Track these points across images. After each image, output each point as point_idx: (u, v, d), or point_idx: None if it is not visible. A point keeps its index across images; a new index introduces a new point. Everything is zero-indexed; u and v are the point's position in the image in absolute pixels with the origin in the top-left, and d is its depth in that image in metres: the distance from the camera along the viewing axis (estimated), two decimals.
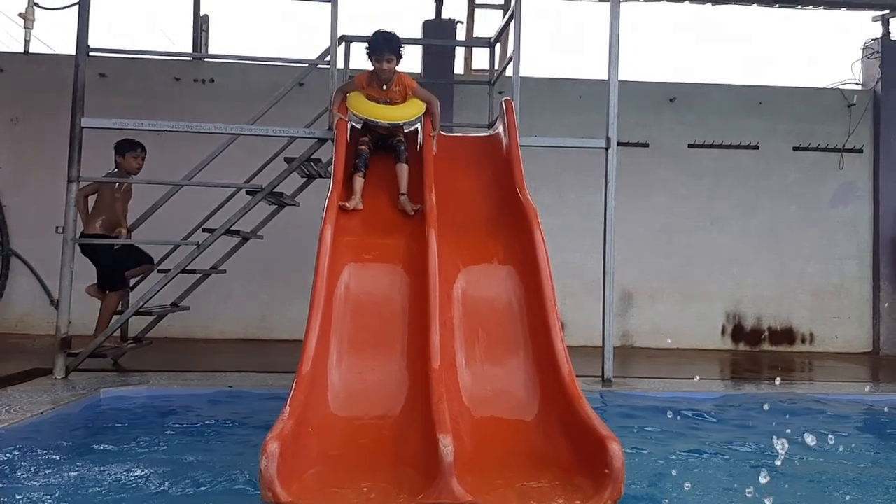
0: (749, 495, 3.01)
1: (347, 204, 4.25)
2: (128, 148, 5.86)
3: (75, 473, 3.01)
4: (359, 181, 4.44)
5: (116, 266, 5.74)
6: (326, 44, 5.57)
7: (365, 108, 4.76)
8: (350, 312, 3.70)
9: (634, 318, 8.18)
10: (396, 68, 4.72)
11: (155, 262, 6.05)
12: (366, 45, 4.71)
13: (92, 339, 5.48)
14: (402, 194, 4.44)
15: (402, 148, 4.66)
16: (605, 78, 5.61)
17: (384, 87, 4.74)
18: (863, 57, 8.73)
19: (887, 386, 6.36)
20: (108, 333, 5.51)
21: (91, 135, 5.46)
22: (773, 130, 8.36)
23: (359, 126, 4.79)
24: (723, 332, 8.29)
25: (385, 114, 4.76)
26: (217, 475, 3.05)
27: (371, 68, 4.79)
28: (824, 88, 8.71)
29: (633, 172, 7.78)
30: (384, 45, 4.63)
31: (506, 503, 2.69)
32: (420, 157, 4.73)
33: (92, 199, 5.77)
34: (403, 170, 4.54)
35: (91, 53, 5.46)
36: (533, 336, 3.68)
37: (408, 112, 4.80)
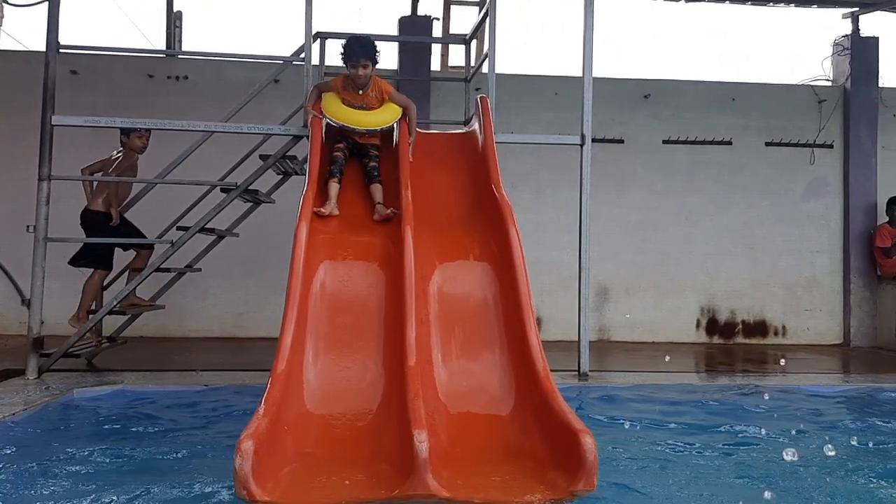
0: (724, 484, 3.07)
1: (323, 209, 4.22)
2: (133, 129, 5.85)
3: (48, 473, 2.99)
4: (334, 187, 4.40)
5: (96, 247, 5.70)
6: (301, 40, 5.55)
7: (341, 113, 4.73)
8: (326, 310, 3.71)
9: (610, 313, 8.25)
10: (372, 73, 4.71)
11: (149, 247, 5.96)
12: (341, 50, 4.68)
13: (73, 317, 5.57)
14: (379, 203, 4.40)
15: (376, 170, 4.60)
16: (581, 75, 5.65)
17: (360, 92, 4.73)
18: (833, 54, 8.87)
19: (857, 377, 6.49)
20: (83, 332, 5.46)
21: (62, 133, 5.39)
22: (746, 126, 8.47)
23: (334, 124, 4.76)
24: (697, 326, 8.39)
25: (361, 119, 4.73)
26: (193, 474, 3.04)
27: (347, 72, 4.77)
28: (796, 85, 8.84)
29: (608, 169, 7.84)
30: (359, 51, 4.60)
31: (481, 497, 2.71)
32: (396, 155, 4.73)
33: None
34: (377, 189, 4.50)
35: (62, 50, 5.40)
36: (508, 332, 3.72)
37: (384, 117, 4.78)
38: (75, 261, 5.79)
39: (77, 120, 5.52)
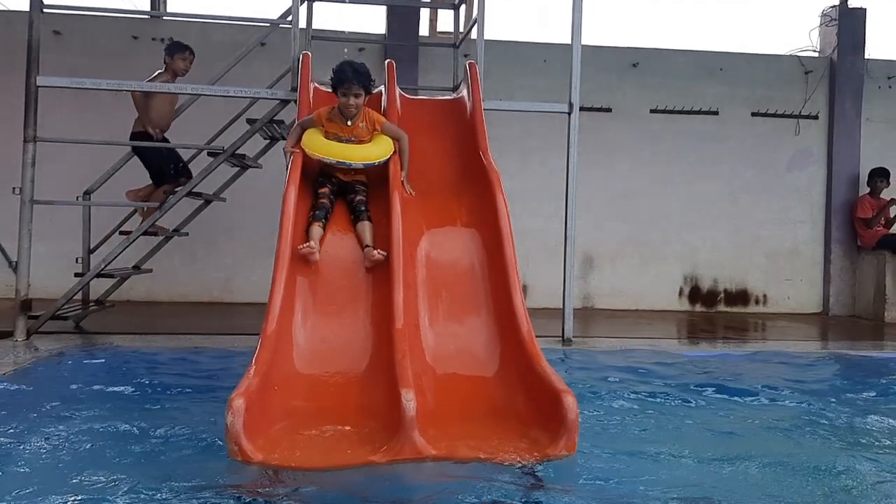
0: (700, 445, 3.17)
1: (302, 247, 3.70)
2: (177, 49, 5.86)
3: (39, 432, 3.03)
4: (317, 231, 3.83)
5: (164, 160, 5.84)
6: (288, 3, 5.50)
7: (324, 147, 4.13)
8: (314, 273, 3.75)
9: (595, 281, 8.35)
10: (363, 103, 4.19)
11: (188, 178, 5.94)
12: (330, 76, 4.19)
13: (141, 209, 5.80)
14: (367, 246, 3.83)
15: (363, 204, 4.05)
16: (569, 42, 5.65)
17: (348, 123, 4.17)
18: (821, 24, 8.88)
19: (834, 343, 6.65)
20: (72, 294, 5.47)
21: (46, 94, 5.34)
22: (733, 96, 8.50)
23: (328, 161, 4.16)
24: (680, 294, 8.51)
25: (349, 154, 4.14)
26: (184, 432, 3.10)
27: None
28: (782, 55, 8.86)
29: (595, 137, 7.86)
30: (353, 78, 4.08)
31: (465, 455, 2.80)
32: (385, 114, 4.68)
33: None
34: (366, 227, 3.93)
35: (45, 10, 5.32)
36: (494, 296, 3.79)
37: (376, 151, 4.20)
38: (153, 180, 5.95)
39: (62, 81, 5.47)
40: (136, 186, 6.10)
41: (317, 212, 3.93)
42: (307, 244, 3.72)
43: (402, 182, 4.19)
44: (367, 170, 4.21)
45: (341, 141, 4.16)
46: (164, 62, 5.89)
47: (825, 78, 8.63)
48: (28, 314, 5.13)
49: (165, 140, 5.91)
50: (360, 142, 4.19)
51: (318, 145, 4.14)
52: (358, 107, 4.14)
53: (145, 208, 5.86)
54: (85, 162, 6.50)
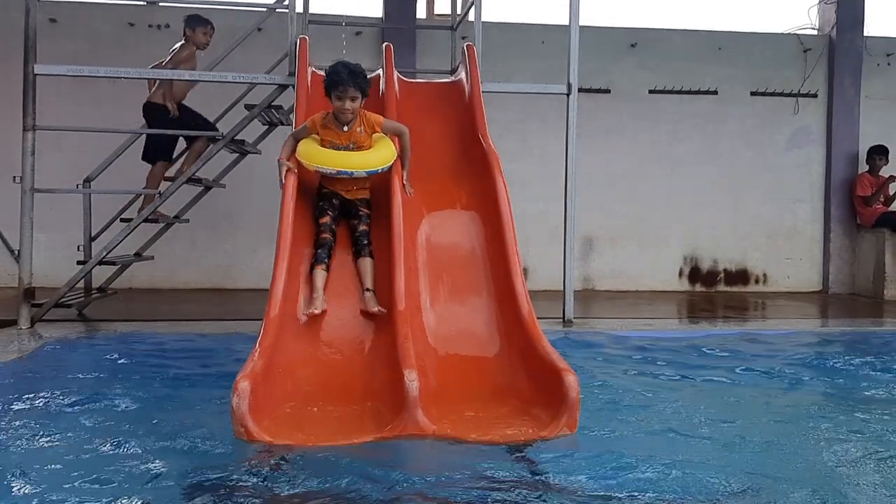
0: (700, 422, 3.21)
1: (312, 310, 3.43)
2: (199, 22, 5.87)
3: (45, 416, 3.06)
4: (320, 276, 3.55)
5: (164, 140, 5.82)
6: None
7: (321, 156, 3.77)
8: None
9: (596, 263, 8.37)
10: (360, 106, 3.87)
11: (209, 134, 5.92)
12: (324, 78, 3.87)
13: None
14: (368, 290, 3.59)
15: (366, 236, 3.79)
16: (567, 23, 5.63)
17: (345, 129, 3.83)
18: (820, 2, 8.83)
19: (834, 321, 6.68)
20: (74, 283, 5.49)
21: (43, 83, 5.33)
22: (732, 76, 8.48)
23: (327, 171, 3.84)
24: (680, 275, 8.53)
25: (349, 161, 3.78)
26: (190, 415, 3.13)
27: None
28: (781, 33, 8.82)
29: (594, 118, 7.84)
30: (348, 79, 3.74)
31: (468, 433, 2.83)
32: (382, 101, 4.69)
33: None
34: (367, 264, 3.67)
35: None
36: (495, 278, 3.81)
37: (378, 156, 3.85)
38: (144, 155, 5.92)
39: (60, 69, 5.46)
40: (136, 175, 6.10)
41: (319, 251, 3.64)
42: (312, 302, 3.44)
43: (403, 183, 3.97)
44: (369, 178, 3.91)
45: (339, 149, 3.81)
46: (185, 34, 5.88)
47: (824, 56, 8.60)
48: (31, 302, 5.16)
49: (183, 109, 5.90)
50: (360, 148, 3.85)
51: (315, 155, 3.78)
52: (354, 111, 3.81)
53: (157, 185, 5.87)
54: (84, 150, 6.50)
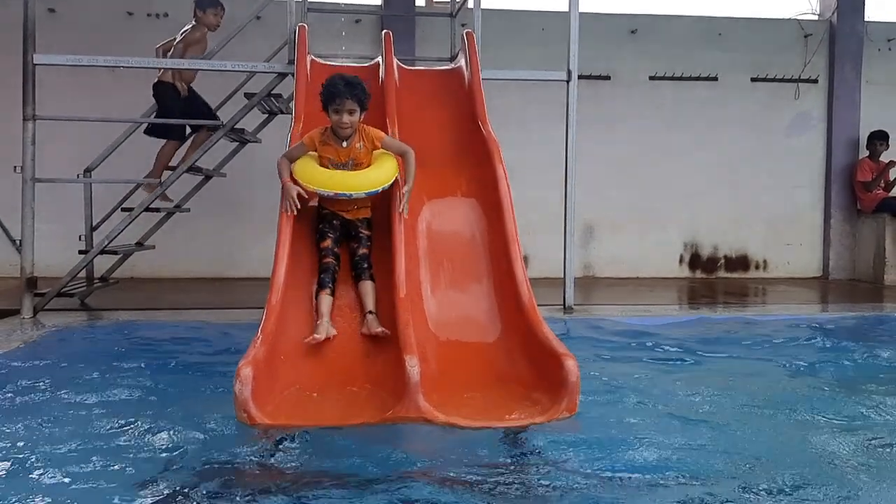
0: (699, 406, 3.23)
1: (316, 335, 3.31)
2: (209, 4, 5.88)
3: (50, 404, 3.09)
4: (326, 302, 3.44)
5: (181, 116, 5.81)
6: None
7: (318, 178, 3.60)
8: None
9: (596, 250, 8.38)
10: (359, 120, 3.69)
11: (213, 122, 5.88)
12: (321, 91, 3.69)
13: (146, 185, 5.73)
14: (370, 312, 3.48)
15: (366, 260, 3.66)
16: (567, 10, 5.61)
17: (344, 144, 3.67)
18: None
19: (834, 307, 6.70)
20: (76, 272, 5.51)
21: (42, 73, 5.33)
22: (732, 62, 8.45)
23: (324, 194, 3.65)
24: (681, 261, 8.55)
25: (347, 182, 3.60)
26: (193, 400, 3.16)
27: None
28: (782, 19, 8.79)
29: (594, 105, 7.82)
30: (344, 91, 3.58)
31: (469, 418, 2.86)
32: (382, 89, 4.70)
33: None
34: (368, 287, 3.55)
35: None
36: (495, 265, 3.83)
37: (379, 175, 3.67)
38: (150, 132, 5.92)
39: (59, 58, 5.46)
40: (137, 164, 6.11)
41: (322, 276, 3.52)
42: (318, 328, 3.33)
43: (402, 201, 3.72)
44: (370, 201, 3.75)
45: (337, 167, 3.65)
46: (195, 15, 5.90)
47: (825, 41, 8.58)
48: (34, 292, 5.18)
49: (192, 92, 5.92)
50: (359, 165, 3.69)
51: (312, 176, 3.61)
52: (353, 125, 3.64)
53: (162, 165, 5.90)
54: (85, 140, 6.50)
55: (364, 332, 3.43)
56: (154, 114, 5.99)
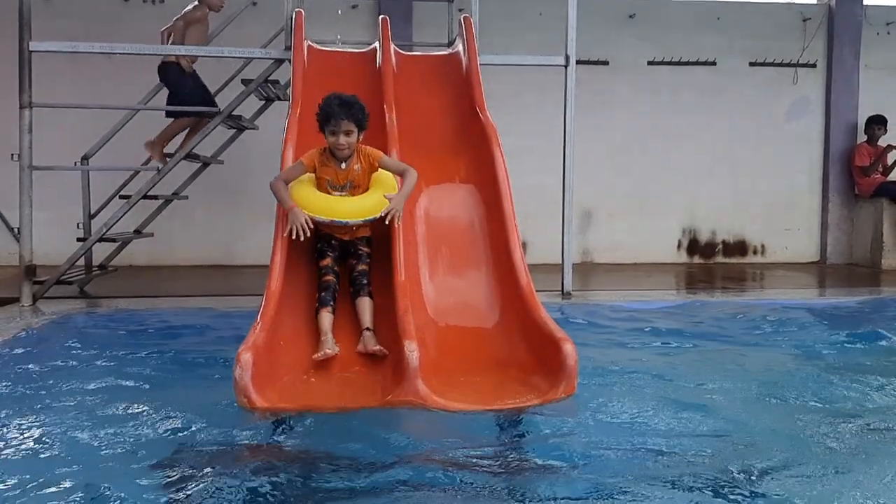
0: (696, 388, 3.26)
1: (326, 351, 3.21)
2: None
3: (51, 391, 3.10)
4: (327, 319, 3.33)
5: (186, 96, 5.81)
6: None
7: (315, 204, 3.46)
8: (317, 231, 3.77)
9: (594, 236, 8.39)
10: (357, 140, 3.54)
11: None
12: (316, 112, 3.55)
13: (149, 143, 5.75)
14: (367, 329, 3.35)
15: (365, 276, 3.51)
16: None
17: (343, 166, 3.54)
18: None
19: (832, 291, 6.73)
20: (75, 259, 5.52)
21: (38, 60, 5.31)
22: (731, 46, 8.43)
23: (321, 221, 3.49)
24: (679, 247, 8.56)
25: (344, 209, 3.48)
26: (195, 386, 3.19)
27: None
28: (781, 3, 8.75)
29: (593, 90, 7.80)
30: (340, 112, 3.44)
31: (467, 401, 2.88)
32: (379, 75, 4.69)
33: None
34: (366, 304, 3.42)
35: None
36: (493, 250, 3.84)
37: (374, 202, 3.52)
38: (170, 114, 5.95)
39: (55, 45, 5.44)
40: (134, 151, 6.10)
41: (323, 294, 3.39)
42: (321, 346, 3.22)
43: (395, 206, 3.51)
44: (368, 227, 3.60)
45: (335, 189, 3.53)
46: None
47: (823, 25, 8.55)
48: (33, 280, 5.19)
49: (195, 72, 5.91)
50: (357, 187, 3.56)
51: (309, 202, 3.46)
52: (350, 146, 3.49)
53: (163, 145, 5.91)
54: (82, 128, 6.48)
55: (360, 350, 3.29)
56: (155, 97, 5.97)
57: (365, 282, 3.48)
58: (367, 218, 3.52)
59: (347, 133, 3.47)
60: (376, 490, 2.17)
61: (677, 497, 2.14)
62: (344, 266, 3.56)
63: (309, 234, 3.43)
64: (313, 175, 3.56)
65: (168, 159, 5.68)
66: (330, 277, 3.45)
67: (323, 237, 3.57)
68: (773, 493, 2.18)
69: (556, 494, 2.16)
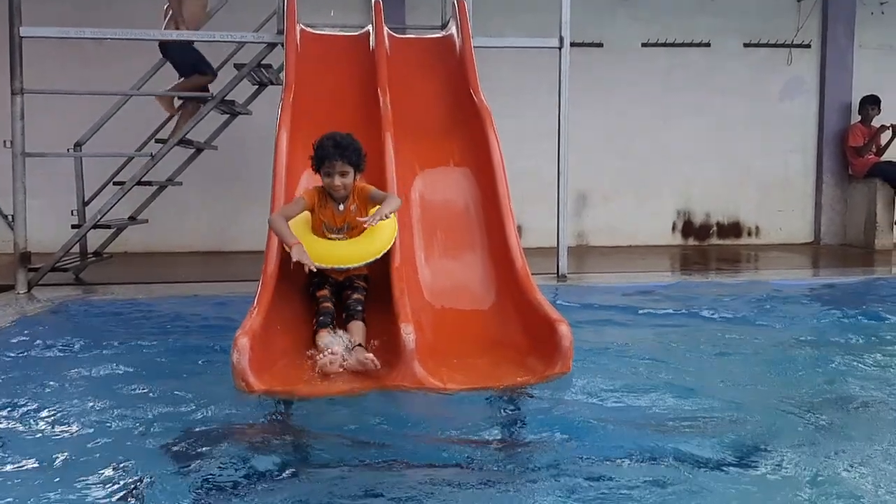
0: (689, 366, 3.29)
1: (330, 361, 3.02)
2: None
3: (49, 377, 3.11)
4: (326, 337, 3.17)
5: (190, 53, 5.86)
6: None
7: (315, 251, 3.29)
8: (313, 215, 3.77)
9: (589, 218, 8.40)
10: (354, 181, 3.43)
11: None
12: (311, 155, 3.43)
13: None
14: (359, 345, 3.16)
15: (359, 303, 3.35)
16: None
17: (340, 208, 3.43)
18: None
19: (825, 271, 6.77)
20: (69, 246, 5.51)
21: (29, 45, 5.27)
22: (724, 27, 8.41)
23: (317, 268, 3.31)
24: (673, 229, 8.58)
25: (343, 255, 3.37)
26: (191, 371, 3.20)
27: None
28: None
29: (587, 73, 7.77)
30: (335, 154, 3.32)
31: (464, 382, 2.90)
32: (373, 58, 4.67)
33: None
34: (358, 327, 3.26)
35: None
36: (489, 233, 3.85)
37: (371, 246, 3.40)
38: (182, 73, 5.97)
39: (46, 31, 5.40)
40: (128, 137, 6.08)
41: (321, 318, 3.25)
42: (326, 357, 3.02)
43: (374, 211, 3.38)
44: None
45: (332, 231, 3.42)
46: None
47: (817, 5, 8.52)
48: (28, 267, 5.18)
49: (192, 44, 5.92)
50: (354, 228, 3.43)
51: (307, 248, 3.29)
52: (346, 186, 3.37)
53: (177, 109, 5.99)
54: (74, 114, 6.45)
55: (352, 363, 3.01)
56: (148, 82, 5.95)
57: (359, 308, 3.34)
58: (366, 262, 3.41)
59: (343, 174, 3.36)
60: (374, 469, 2.19)
61: (671, 472, 2.17)
62: (340, 298, 3.41)
63: (315, 270, 3.28)
64: (310, 215, 3.44)
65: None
66: (328, 305, 3.32)
67: (319, 273, 3.38)
68: (766, 468, 2.21)
69: (551, 470, 2.18)
